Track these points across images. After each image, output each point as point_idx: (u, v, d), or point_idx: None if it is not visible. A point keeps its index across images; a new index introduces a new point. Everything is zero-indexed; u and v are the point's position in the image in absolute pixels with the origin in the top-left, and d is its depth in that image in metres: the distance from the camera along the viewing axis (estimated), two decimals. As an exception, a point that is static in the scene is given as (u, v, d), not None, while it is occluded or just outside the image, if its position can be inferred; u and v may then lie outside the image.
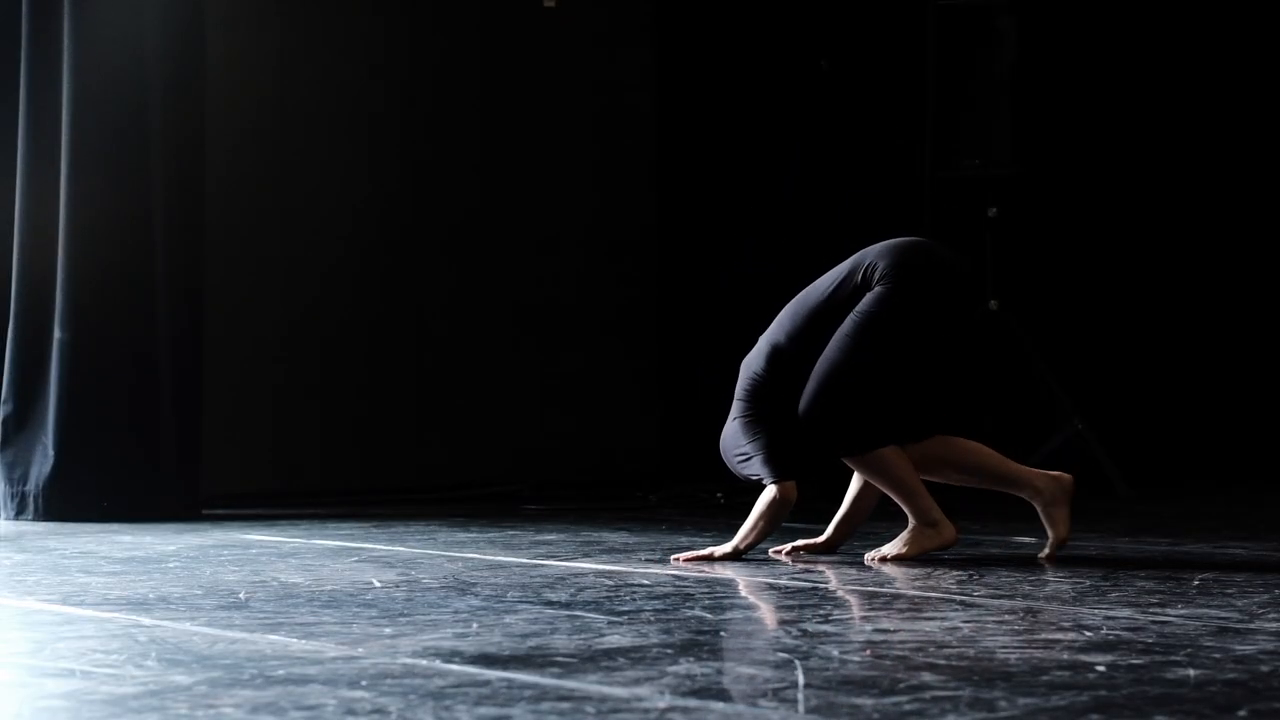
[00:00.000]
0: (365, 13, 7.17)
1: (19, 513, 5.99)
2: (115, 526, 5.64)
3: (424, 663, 2.91)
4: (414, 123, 7.27)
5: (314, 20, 7.04)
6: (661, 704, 2.53)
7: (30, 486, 5.99)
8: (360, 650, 3.04)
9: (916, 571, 4.25)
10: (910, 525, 4.48)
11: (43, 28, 6.07)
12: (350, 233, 7.07)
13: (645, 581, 4.09)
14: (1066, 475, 4.50)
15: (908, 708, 2.49)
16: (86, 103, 6.01)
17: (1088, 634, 3.21)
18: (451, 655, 2.98)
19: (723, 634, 3.23)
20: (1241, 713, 2.47)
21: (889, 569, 4.31)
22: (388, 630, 3.33)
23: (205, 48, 6.28)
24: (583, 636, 3.19)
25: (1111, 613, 3.49)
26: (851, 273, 4.56)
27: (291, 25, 6.98)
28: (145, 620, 3.41)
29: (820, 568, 4.38)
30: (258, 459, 6.71)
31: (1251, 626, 3.31)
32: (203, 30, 6.26)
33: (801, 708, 2.51)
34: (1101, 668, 2.83)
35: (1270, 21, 7.90)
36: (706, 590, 3.93)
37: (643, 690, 2.63)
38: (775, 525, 4.55)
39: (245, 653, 3.01)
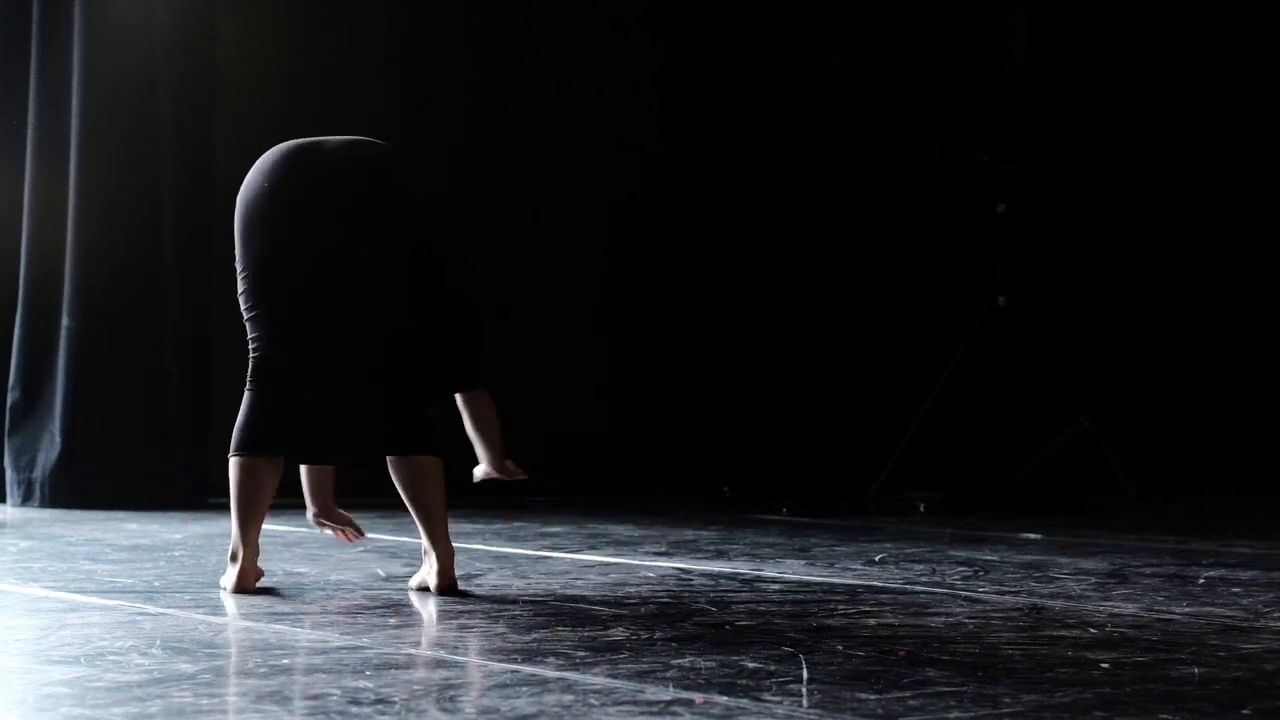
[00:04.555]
0: (374, 11, 7.17)
1: (26, 500, 6.00)
2: (121, 514, 5.65)
3: (428, 653, 2.91)
4: (422, 121, 7.28)
5: (323, 17, 7.04)
6: (666, 696, 2.53)
7: (37, 473, 6.00)
8: (365, 640, 3.04)
9: (921, 568, 4.25)
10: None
11: (53, 19, 6.08)
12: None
13: (651, 574, 4.09)
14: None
15: (912, 703, 2.49)
16: (96, 94, 6.01)
17: (1092, 631, 3.20)
18: (456, 646, 2.98)
19: (727, 627, 3.23)
20: (1245, 711, 2.46)
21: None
22: (392, 621, 3.33)
23: (216, 43, 6.28)
24: (587, 628, 3.19)
25: (1116, 610, 3.49)
26: None
27: (302, 20, 6.98)
28: (150, 608, 3.42)
29: (831, 563, 4.38)
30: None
31: (1257, 625, 3.31)
32: (213, 25, 6.26)
33: (805, 701, 2.51)
34: (1106, 665, 2.83)
35: (1277, 20, 7.89)
36: (711, 584, 3.93)
37: (647, 683, 2.63)
38: None
39: (250, 642, 3.01)
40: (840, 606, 3.53)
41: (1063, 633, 3.18)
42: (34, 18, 6.10)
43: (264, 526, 5.26)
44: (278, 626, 3.23)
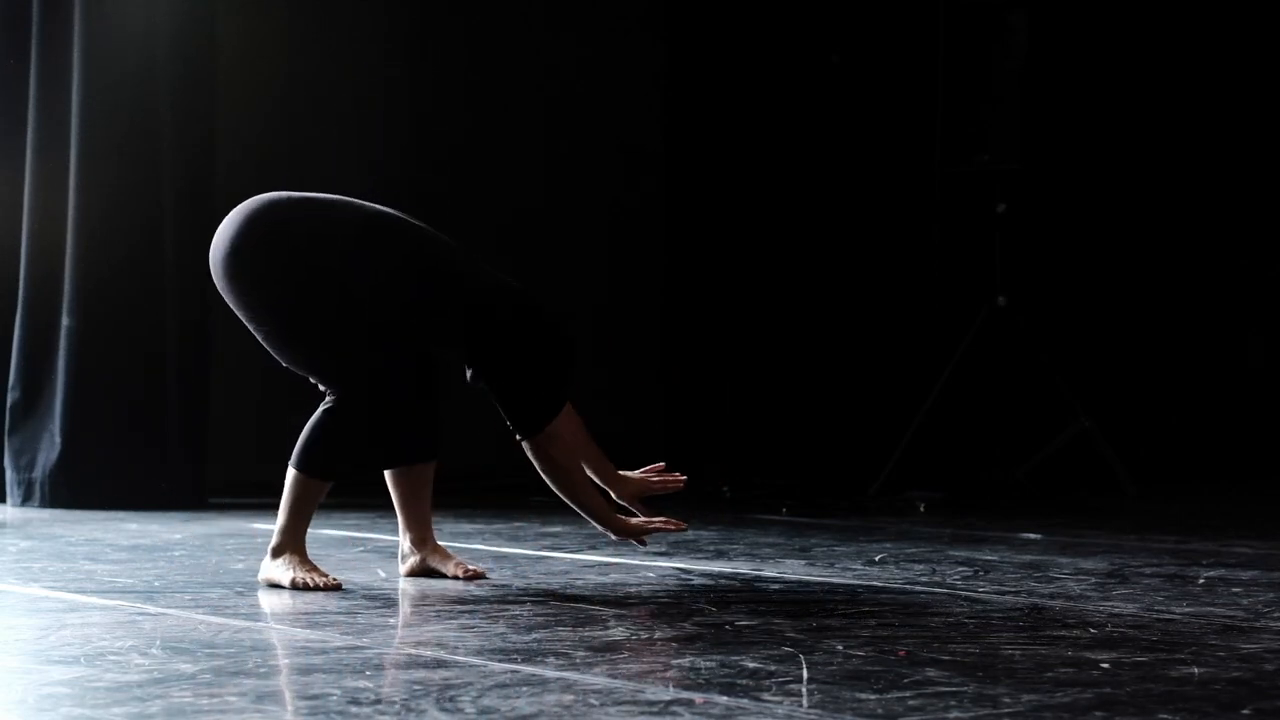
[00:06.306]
0: (374, 11, 7.17)
1: (25, 500, 6.00)
2: (121, 514, 5.65)
3: (428, 653, 2.91)
4: (423, 121, 7.28)
5: (324, 21, 7.04)
6: (666, 696, 2.53)
7: (37, 474, 6.00)
8: (365, 640, 3.04)
9: (921, 568, 4.25)
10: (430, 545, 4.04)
11: (53, 19, 6.08)
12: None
13: (651, 574, 4.09)
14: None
15: (911, 703, 2.49)
16: (96, 94, 6.01)
17: (1092, 631, 3.20)
18: (456, 646, 2.98)
19: (727, 627, 3.23)
20: (1245, 711, 2.46)
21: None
22: (392, 620, 3.33)
23: (216, 43, 6.28)
24: (587, 629, 3.19)
25: (1116, 610, 3.49)
26: None
27: (303, 20, 6.98)
28: (150, 608, 3.42)
29: (838, 565, 4.38)
30: (264, 447, 6.70)
31: (1257, 625, 3.30)
32: (213, 25, 6.27)
33: (805, 701, 2.51)
34: (1106, 665, 2.83)
35: (1276, 22, 7.89)
36: (711, 583, 3.93)
37: (647, 683, 2.63)
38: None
39: (249, 641, 3.01)
40: (840, 606, 3.53)
41: (1062, 633, 3.18)
42: (34, 18, 6.10)
43: (262, 526, 5.27)
44: (278, 626, 3.23)
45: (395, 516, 4.02)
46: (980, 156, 7.01)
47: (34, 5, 6.11)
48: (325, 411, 3.81)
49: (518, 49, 7.53)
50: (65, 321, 6.02)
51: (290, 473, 3.81)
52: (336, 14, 7.09)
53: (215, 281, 3.82)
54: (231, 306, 3.83)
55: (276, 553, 3.79)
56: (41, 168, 6.08)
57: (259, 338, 3.83)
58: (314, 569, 3.77)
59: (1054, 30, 7.52)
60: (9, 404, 6.11)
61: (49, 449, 6.00)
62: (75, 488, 5.95)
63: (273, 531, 3.82)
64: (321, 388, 3.85)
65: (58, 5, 6.07)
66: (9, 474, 6.08)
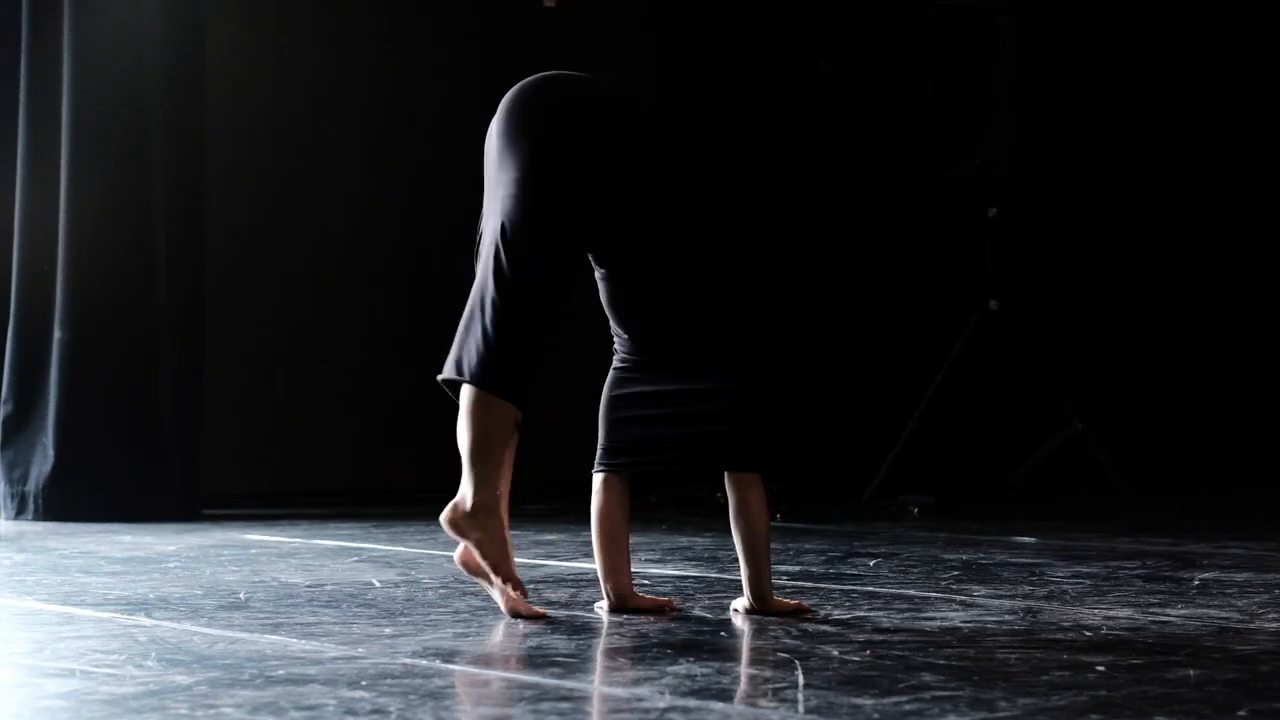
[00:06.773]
0: (366, 13, 7.16)
1: (19, 513, 5.99)
2: (115, 526, 5.64)
3: (424, 663, 2.91)
4: (415, 124, 7.27)
5: (315, 20, 7.03)
6: (661, 704, 2.53)
7: (30, 486, 5.99)
8: (360, 650, 3.04)
9: (916, 572, 4.25)
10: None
11: (43, 25, 6.07)
12: (350, 232, 7.07)
13: (645, 581, 4.09)
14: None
15: (908, 708, 2.49)
16: (86, 102, 6.00)
17: (1088, 634, 3.21)
18: (451, 655, 2.98)
19: (722, 634, 3.23)
20: (1241, 713, 2.47)
21: None
22: (388, 630, 3.33)
23: (205, 47, 6.27)
24: (583, 636, 3.19)
25: (1111, 612, 3.49)
26: None
27: (292, 25, 6.97)
28: (145, 620, 3.41)
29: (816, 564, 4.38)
30: (258, 459, 6.71)
31: (1251, 626, 3.31)
32: (203, 29, 6.26)
33: (801, 708, 2.51)
34: (1101, 668, 2.83)
35: (1270, 22, 7.90)
36: (706, 590, 3.93)
37: (642, 690, 2.64)
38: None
39: (245, 653, 3.00)
40: (835, 611, 3.53)
41: (1058, 636, 3.18)
42: (23, 24, 6.09)
43: (256, 537, 5.27)
44: (273, 637, 3.22)
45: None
46: (971, 161, 7.02)
47: (23, 11, 6.10)
48: (488, 318, 3.51)
49: (517, 49, 7.53)
50: (57, 334, 6.01)
51: (470, 394, 3.29)
52: (328, 24, 7.08)
53: (506, 106, 3.68)
54: (496, 136, 3.72)
55: (475, 512, 3.30)
56: (32, 180, 6.06)
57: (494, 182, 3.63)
58: (522, 590, 3.38)
59: (1043, 34, 7.53)
60: (1, 417, 6.10)
61: (42, 461, 6.00)
62: (69, 500, 5.94)
63: (465, 481, 3.25)
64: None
65: (47, 10, 6.06)
66: (2, 487, 6.07)
